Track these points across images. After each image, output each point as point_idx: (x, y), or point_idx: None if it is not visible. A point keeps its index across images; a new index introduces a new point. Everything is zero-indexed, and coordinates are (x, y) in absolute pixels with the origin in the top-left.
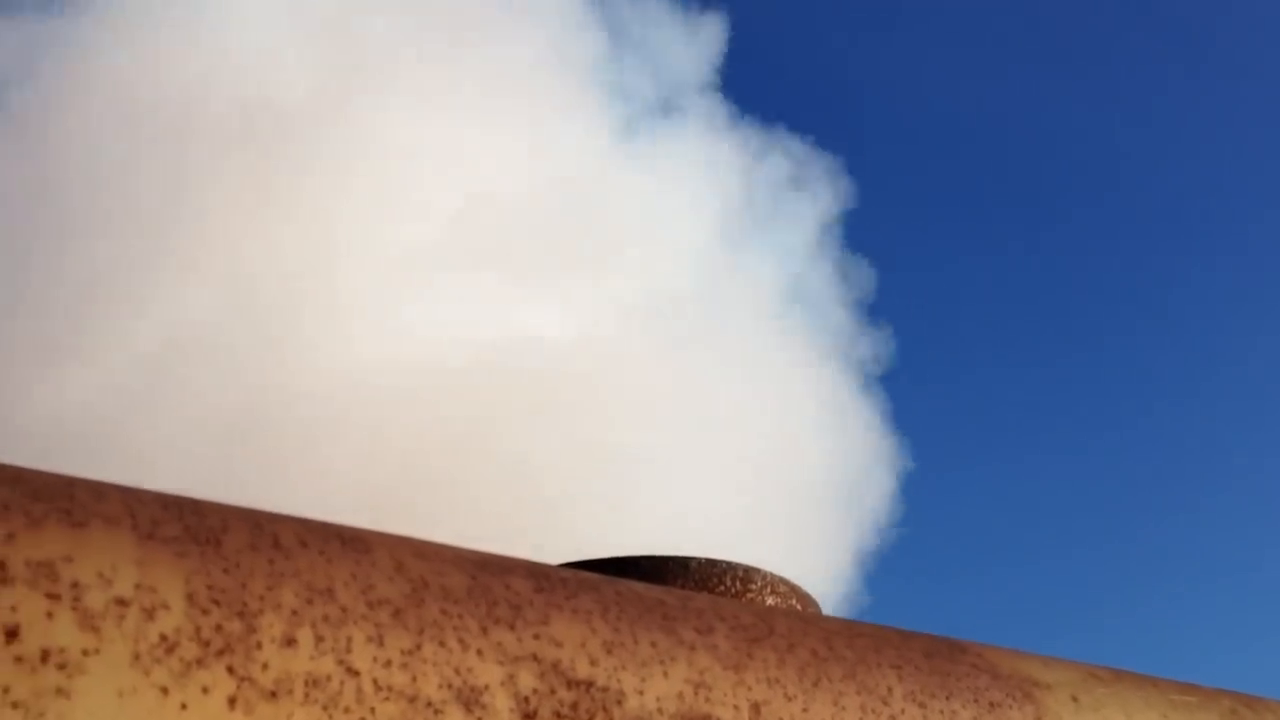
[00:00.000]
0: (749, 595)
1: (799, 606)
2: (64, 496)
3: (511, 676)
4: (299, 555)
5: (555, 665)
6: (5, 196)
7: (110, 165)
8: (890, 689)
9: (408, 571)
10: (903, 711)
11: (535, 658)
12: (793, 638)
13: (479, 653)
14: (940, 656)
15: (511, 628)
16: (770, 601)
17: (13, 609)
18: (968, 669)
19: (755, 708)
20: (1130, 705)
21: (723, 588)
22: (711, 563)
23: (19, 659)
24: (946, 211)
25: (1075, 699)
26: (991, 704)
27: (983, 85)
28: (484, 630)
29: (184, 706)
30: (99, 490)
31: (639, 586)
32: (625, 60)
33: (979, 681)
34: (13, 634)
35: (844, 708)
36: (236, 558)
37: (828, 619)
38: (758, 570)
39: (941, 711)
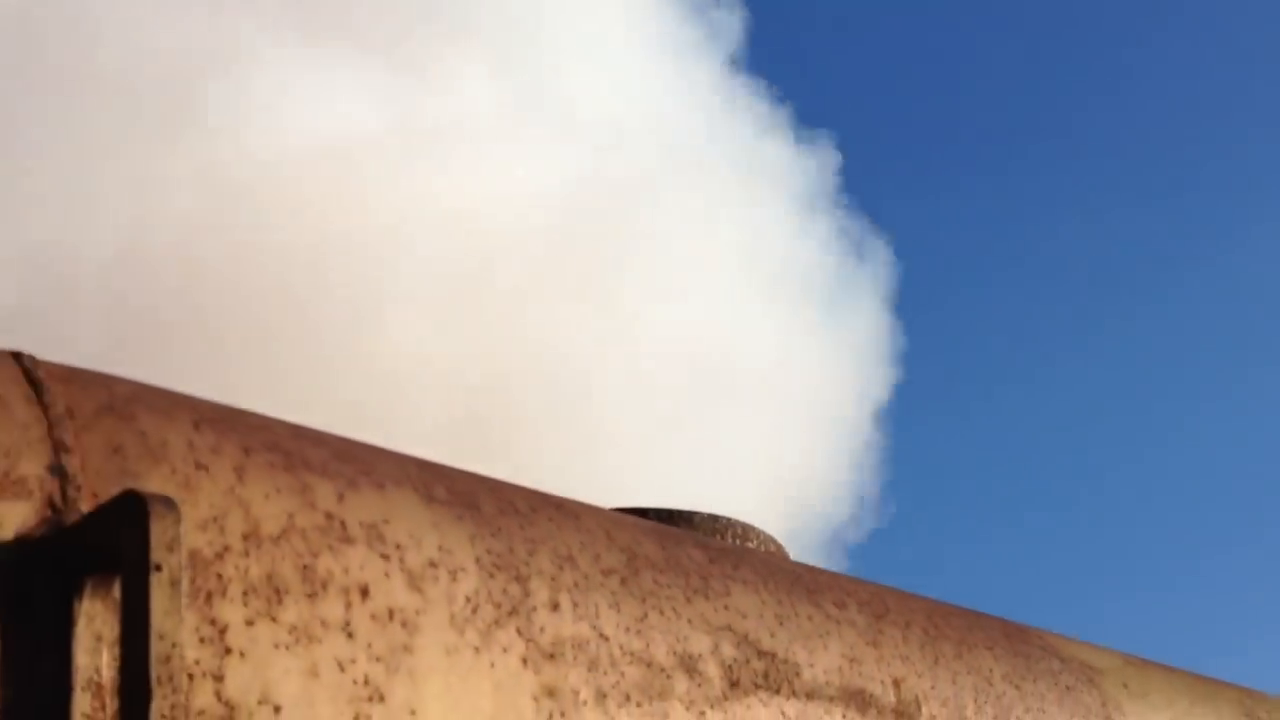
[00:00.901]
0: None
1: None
2: (358, 457)
3: (716, 646)
4: (537, 521)
5: (746, 636)
6: None
7: None
8: (991, 669)
9: (616, 540)
10: (1004, 694)
11: (730, 628)
12: (907, 615)
13: (689, 622)
14: (1015, 639)
15: (706, 598)
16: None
17: (361, 568)
18: (1039, 652)
19: (896, 684)
20: (1166, 691)
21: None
22: (713, 517)
23: (374, 616)
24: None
25: (1125, 685)
26: (1066, 688)
27: None
28: (688, 600)
29: (492, 665)
30: (372, 449)
31: (762, 554)
32: None
33: (1052, 665)
34: (365, 592)
35: (961, 687)
36: (497, 522)
37: (914, 596)
38: (750, 526)
39: (1031, 694)
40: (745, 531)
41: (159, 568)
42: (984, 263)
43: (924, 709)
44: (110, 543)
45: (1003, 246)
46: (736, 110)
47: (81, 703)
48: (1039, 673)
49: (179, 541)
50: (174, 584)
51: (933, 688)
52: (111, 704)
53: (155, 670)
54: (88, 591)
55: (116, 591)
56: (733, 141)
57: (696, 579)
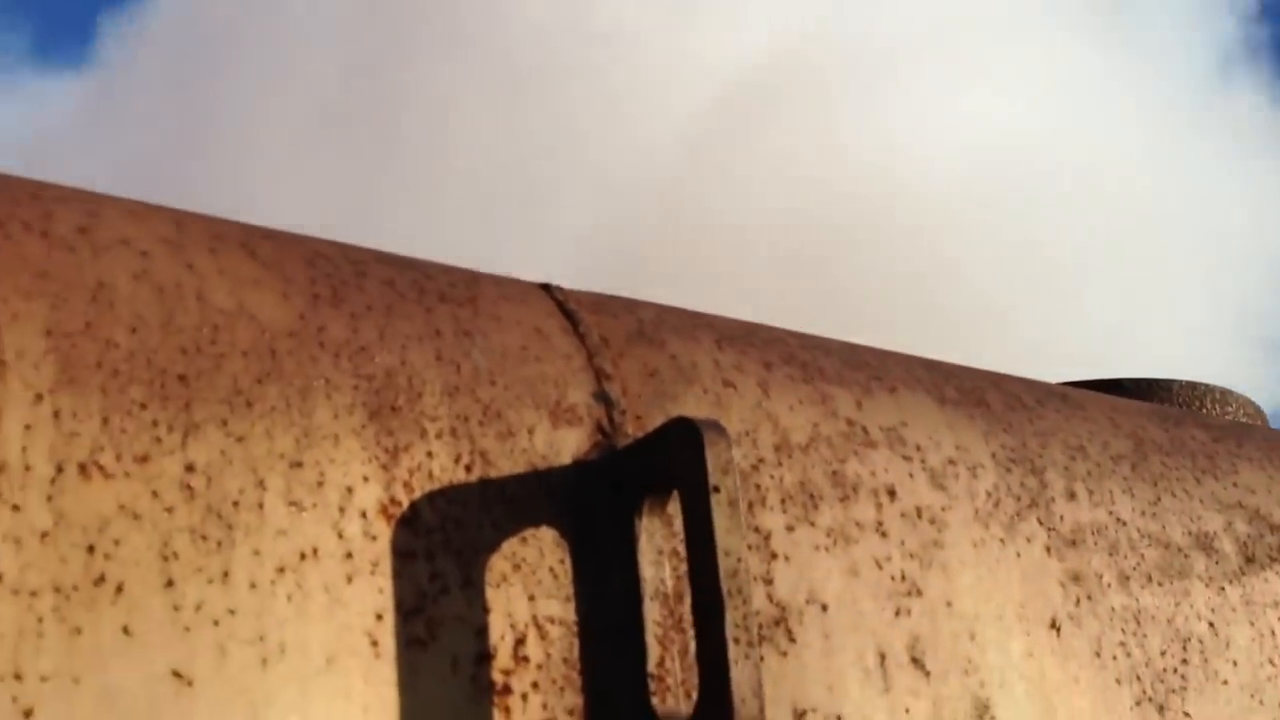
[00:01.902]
0: (1227, 415)
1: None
2: (867, 364)
3: (1230, 523)
4: (1044, 414)
5: (1257, 512)
6: None
7: None
8: None
9: (1122, 427)
10: None
11: (1241, 505)
12: None
13: (1201, 502)
14: None
15: (1215, 478)
16: (1245, 420)
17: (886, 470)
18: None
19: None
20: None
21: (1204, 410)
22: (1191, 385)
23: (903, 515)
24: None
25: None
26: None
27: None
28: (1197, 481)
29: (1018, 555)
30: (877, 353)
31: (1261, 429)
32: None
33: None
34: (892, 493)
35: None
36: (1006, 418)
37: None
38: (1228, 391)
39: None
40: (1224, 397)
41: (717, 489)
42: None
43: None
44: (662, 465)
45: None
46: None
47: (652, 610)
48: None
49: (733, 464)
50: (732, 504)
51: None
52: (678, 611)
53: (725, 584)
54: (645, 509)
55: (670, 508)
56: None
57: (1203, 459)
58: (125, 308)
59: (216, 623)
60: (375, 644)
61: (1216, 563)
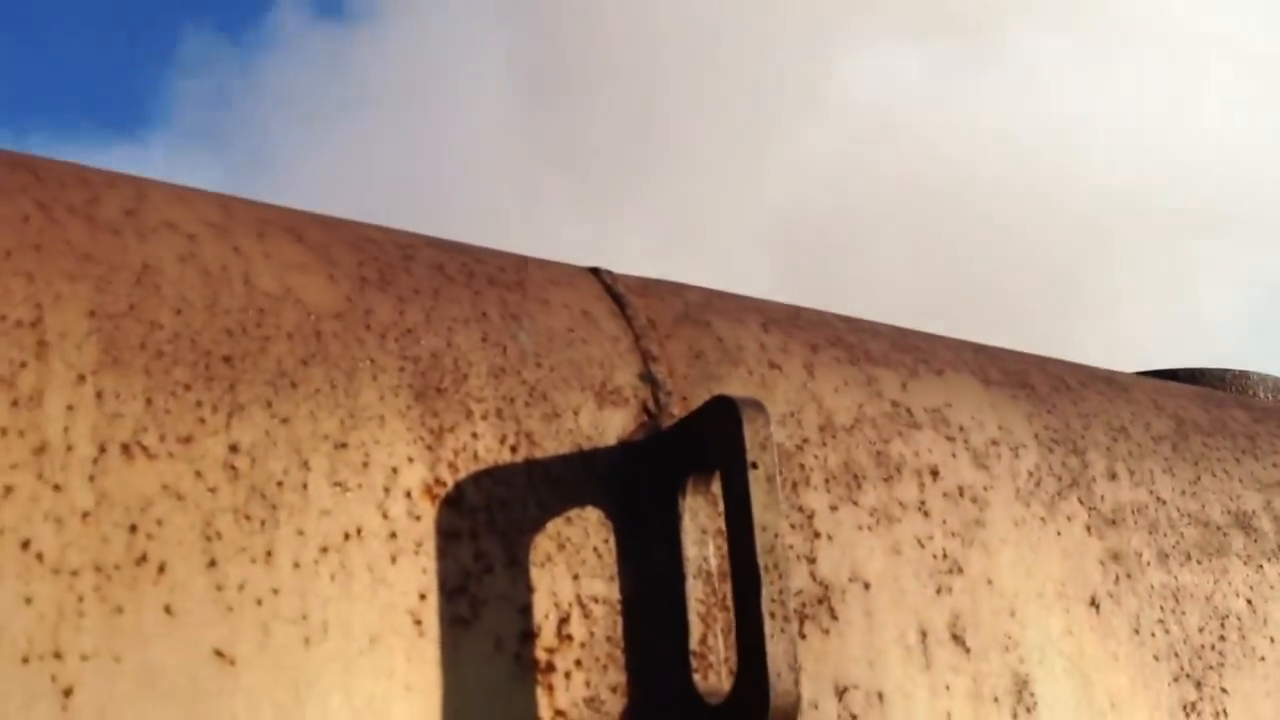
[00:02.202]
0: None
1: None
2: (915, 346)
3: (1269, 502)
4: (1087, 396)
5: None
6: None
7: None
8: None
9: (1164, 408)
10: None
11: (1279, 485)
12: None
13: (1240, 481)
14: None
15: (1254, 458)
16: None
17: (929, 450)
18: None
19: None
20: None
21: (1255, 397)
22: (1242, 373)
23: (946, 494)
24: None
25: None
26: None
27: None
28: (1237, 460)
29: (1059, 534)
30: (925, 336)
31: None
32: None
33: None
34: (935, 473)
35: None
36: (1050, 399)
37: None
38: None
39: None
40: (1276, 384)
41: (755, 465)
42: None
43: None
44: (705, 444)
45: None
46: None
47: (695, 589)
48: None
49: (771, 440)
50: (770, 480)
51: None
52: (721, 589)
53: (761, 559)
54: (689, 488)
55: (714, 488)
56: None
57: (1243, 440)
58: (170, 290)
59: (260, 602)
60: (419, 623)
61: (1255, 541)
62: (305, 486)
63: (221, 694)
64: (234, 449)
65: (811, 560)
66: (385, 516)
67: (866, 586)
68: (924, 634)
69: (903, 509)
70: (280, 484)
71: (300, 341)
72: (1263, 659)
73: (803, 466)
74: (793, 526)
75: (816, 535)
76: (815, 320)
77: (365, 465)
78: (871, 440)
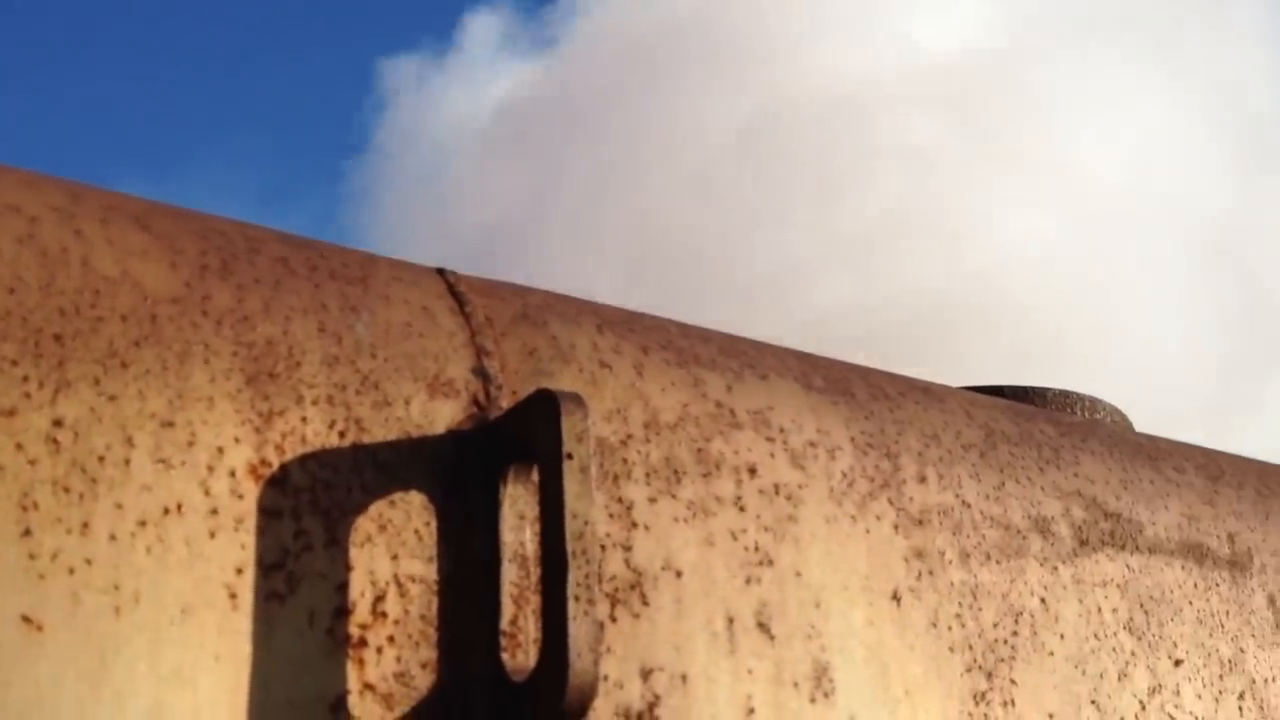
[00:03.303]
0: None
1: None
2: (742, 352)
3: (1067, 509)
4: (904, 405)
5: (1093, 500)
6: None
7: None
8: None
9: (975, 418)
10: None
11: (1079, 493)
12: (1240, 476)
13: (1042, 489)
14: None
15: (1057, 467)
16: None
17: (749, 449)
18: None
19: (1230, 538)
20: None
21: (1075, 415)
22: (1064, 393)
23: (762, 491)
24: None
25: None
26: None
27: None
28: (1040, 470)
29: (867, 531)
30: (754, 344)
31: (1108, 425)
32: None
33: None
34: (753, 471)
35: None
36: (869, 406)
37: (1247, 459)
38: (1097, 399)
39: None
40: (1093, 405)
41: (570, 456)
42: None
43: (1255, 559)
44: (528, 435)
45: None
46: None
47: (510, 572)
48: None
49: (588, 433)
50: (584, 470)
51: (1264, 540)
52: (534, 573)
53: (570, 545)
54: (510, 477)
55: (534, 477)
56: None
57: (1048, 450)
58: (5, 269)
59: (72, 571)
60: (233, 596)
61: (1052, 544)
62: (128, 462)
63: (26, 659)
64: (58, 423)
65: (627, 548)
66: (207, 493)
67: (679, 575)
68: (731, 621)
69: (719, 503)
70: (102, 459)
71: (134, 323)
72: (1052, 654)
73: (625, 460)
74: (611, 516)
75: (634, 525)
76: (650, 324)
77: (191, 444)
78: (694, 438)
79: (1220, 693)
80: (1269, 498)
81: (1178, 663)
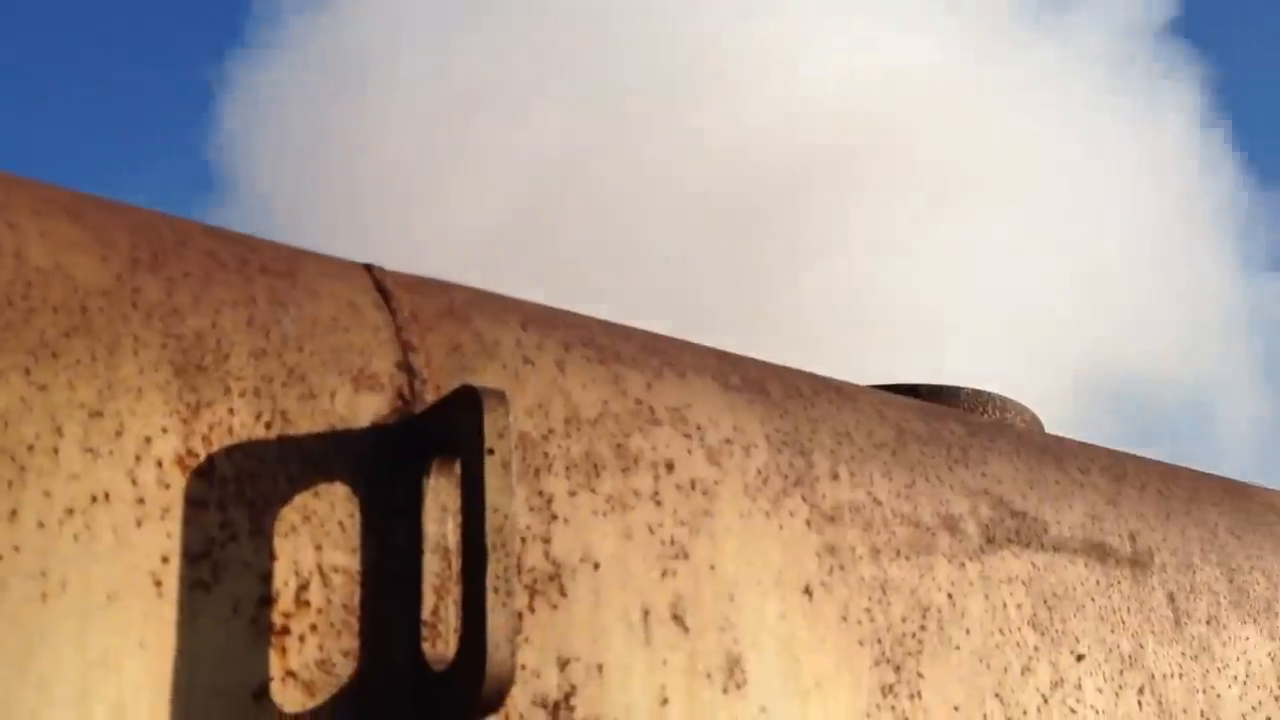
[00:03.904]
0: (1006, 420)
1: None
2: (663, 350)
3: (975, 507)
4: (818, 404)
5: (1000, 498)
6: None
7: None
8: (1215, 523)
9: (888, 418)
10: (1226, 544)
11: (987, 492)
12: (1143, 477)
13: (951, 487)
14: (1238, 496)
15: (966, 466)
16: (1021, 425)
17: (667, 445)
18: (1260, 508)
19: (1132, 537)
20: None
21: (986, 414)
22: (977, 392)
23: (679, 486)
24: None
25: None
26: None
27: None
28: (950, 469)
29: (780, 527)
30: (675, 342)
31: (1017, 427)
32: None
33: (1268, 518)
34: (670, 466)
35: (1189, 539)
36: (784, 405)
37: (1150, 461)
38: (1008, 399)
39: (1250, 544)
40: (1004, 404)
41: (492, 451)
42: None
43: (1156, 558)
44: (451, 429)
45: None
46: None
47: (431, 563)
48: (1258, 525)
49: (510, 428)
50: (505, 465)
51: (1164, 540)
52: (456, 565)
53: (490, 538)
54: (433, 470)
55: (458, 470)
56: None
57: (957, 450)
58: None
59: None
60: (159, 584)
61: (960, 541)
62: (56, 451)
63: None
64: None
65: (546, 541)
66: (134, 483)
67: (596, 567)
68: (646, 613)
69: (637, 498)
70: (31, 448)
71: (65, 315)
72: (958, 648)
73: (546, 455)
74: (532, 509)
75: (554, 518)
76: (573, 322)
77: (119, 434)
78: (613, 434)
79: (1120, 687)
80: (1170, 498)
81: (1079, 658)
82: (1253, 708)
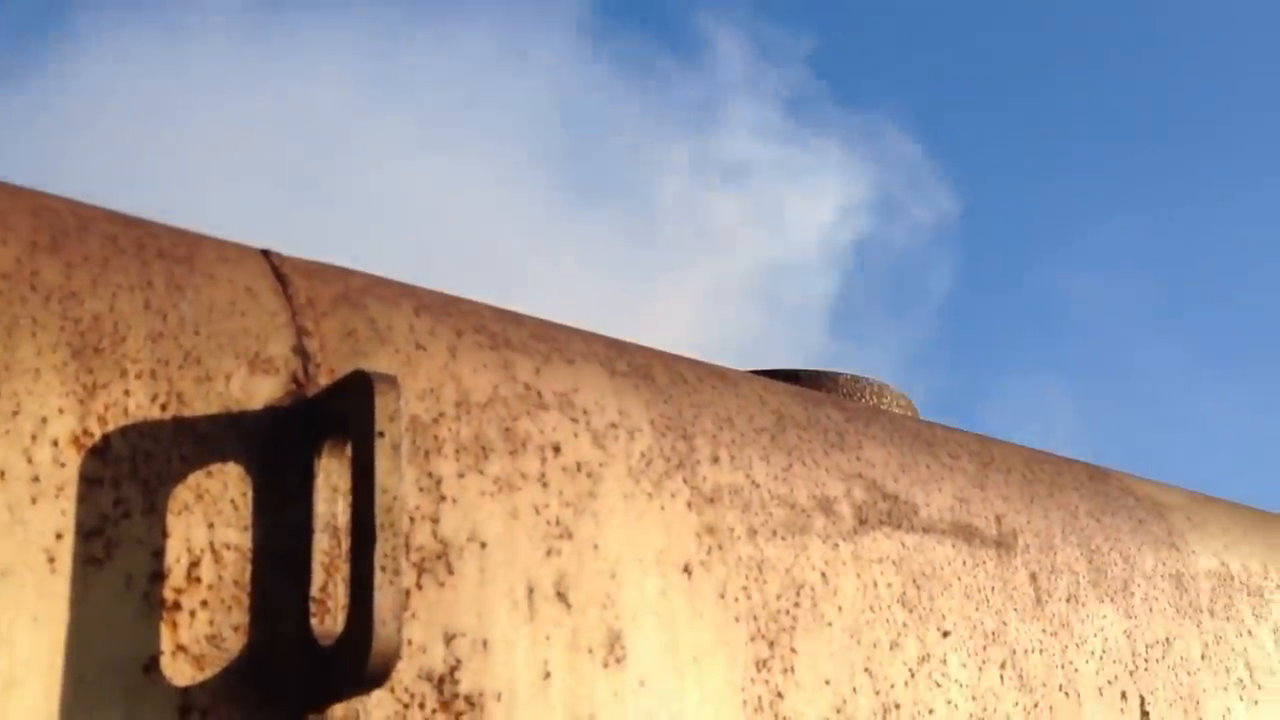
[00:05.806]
0: (882, 405)
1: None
2: (553, 337)
3: (849, 490)
4: (702, 390)
5: (874, 482)
6: None
7: None
8: (1077, 506)
9: (768, 404)
10: (1086, 526)
11: (860, 476)
12: (1008, 463)
13: (827, 471)
14: (1097, 480)
15: (841, 451)
16: (897, 410)
17: (554, 429)
18: (1117, 491)
19: (997, 519)
20: (1223, 522)
21: (864, 399)
22: (854, 378)
23: (564, 469)
24: None
25: (1189, 518)
26: (1139, 521)
27: None
28: (826, 453)
29: (662, 508)
30: (565, 329)
31: (891, 413)
32: None
33: (1127, 502)
34: (557, 449)
35: (1051, 521)
36: (668, 391)
37: (1016, 447)
38: (885, 386)
39: (1109, 526)
40: (881, 391)
41: (382, 434)
42: None
43: (1020, 539)
44: (343, 412)
45: None
46: None
47: (321, 542)
48: (1116, 508)
49: (400, 412)
50: (395, 448)
51: (1028, 522)
52: (345, 544)
53: (379, 518)
54: (325, 452)
55: (349, 452)
56: None
57: (834, 435)
58: None
59: None
60: (52, 560)
61: (834, 523)
62: None
63: None
64: None
65: (435, 520)
66: (30, 461)
67: (483, 546)
68: (531, 590)
69: (524, 479)
70: None
71: None
72: (830, 625)
73: (436, 437)
74: (421, 490)
75: (443, 499)
76: (466, 309)
77: (15, 413)
78: (502, 417)
79: (984, 662)
80: (1034, 483)
81: (945, 634)
82: (1109, 681)
